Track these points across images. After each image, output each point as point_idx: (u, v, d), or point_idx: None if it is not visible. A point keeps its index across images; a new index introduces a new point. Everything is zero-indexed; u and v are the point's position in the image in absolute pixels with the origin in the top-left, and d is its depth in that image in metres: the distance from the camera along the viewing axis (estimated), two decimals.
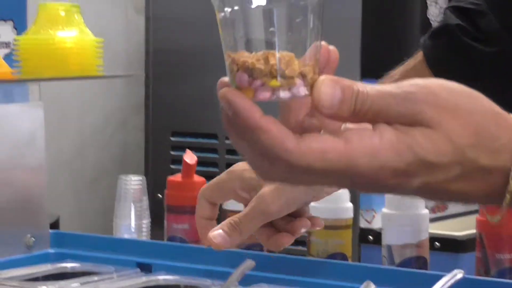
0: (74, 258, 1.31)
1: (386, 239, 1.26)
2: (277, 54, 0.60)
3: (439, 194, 0.62)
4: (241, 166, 0.97)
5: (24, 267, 1.27)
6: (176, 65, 2.39)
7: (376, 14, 2.26)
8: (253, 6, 0.61)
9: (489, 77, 1.11)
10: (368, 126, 0.60)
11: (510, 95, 1.08)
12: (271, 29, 0.61)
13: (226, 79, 0.62)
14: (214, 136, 2.19)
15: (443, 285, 1.06)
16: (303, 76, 0.61)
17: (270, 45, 0.61)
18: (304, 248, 1.32)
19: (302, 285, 1.17)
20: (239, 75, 0.61)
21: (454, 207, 2.09)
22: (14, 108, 1.32)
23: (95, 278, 1.23)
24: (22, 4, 2.36)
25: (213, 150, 2.25)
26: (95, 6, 2.47)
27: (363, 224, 2.09)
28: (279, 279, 1.18)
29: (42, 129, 1.34)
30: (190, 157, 1.39)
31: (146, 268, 1.26)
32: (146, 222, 1.45)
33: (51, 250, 1.34)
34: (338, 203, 1.27)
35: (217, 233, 0.90)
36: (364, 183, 0.60)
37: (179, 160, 1.47)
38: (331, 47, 0.66)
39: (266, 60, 0.60)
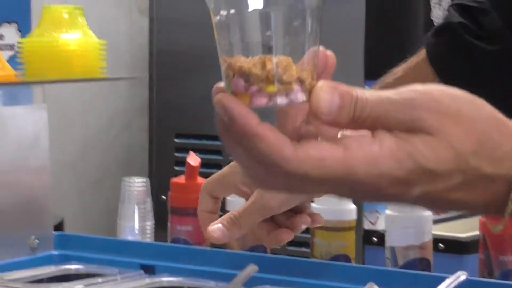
0: (78, 260, 1.31)
1: (389, 241, 1.26)
2: (274, 59, 0.59)
3: (439, 203, 0.61)
4: None
5: (28, 269, 1.27)
6: (180, 66, 2.39)
7: (379, 16, 2.26)
8: (250, 9, 0.59)
9: (491, 76, 1.10)
10: (367, 133, 0.59)
11: None
12: (268, 33, 0.59)
13: (221, 84, 0.61)
14: (218, 138, 2.19)
15: (446, 287, 1.06)
16: (301, 81, 0.59)
17: (267, 50, 0.59)
18: (308, 250, 1.33)
19: (305, 287, 1.17)
20: (235, 80, 0.59)
21: None
22: (18, 110, 1.33)
23: (99, 280, 1.23)
24: (26, 7, 2.36)
25: (217, 152, 2.26)
26: (99, 8, 2.47)
27: (367, 225, 2.09)
28: (282, 280, 1.18)
29: (46, 131, 1.34)
30: (193, 159, 1.39)
31: (149, 270, 1.26)
32: (149, 224, 1.45)
33: (55, 252, 1.34)
34: (341, 204, 1.27)
35: (216, 227, 0.90)
36: (363, 191, 0.59)
37: (183, 162, 1.47)
38: (329, 52, 0.65)
39: (263, 65, 0.58)
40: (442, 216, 2.04)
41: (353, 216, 1.29)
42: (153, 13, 2.50)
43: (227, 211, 1.31)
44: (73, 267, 1.29)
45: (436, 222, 1.78)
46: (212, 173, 1.01)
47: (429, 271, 1.24)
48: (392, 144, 0.58)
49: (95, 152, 2.57)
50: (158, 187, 2.22)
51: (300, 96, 0.59)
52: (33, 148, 1.32)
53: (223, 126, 0.59)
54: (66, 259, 1.32)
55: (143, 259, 1.28)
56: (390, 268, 1.23)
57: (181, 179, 1.41)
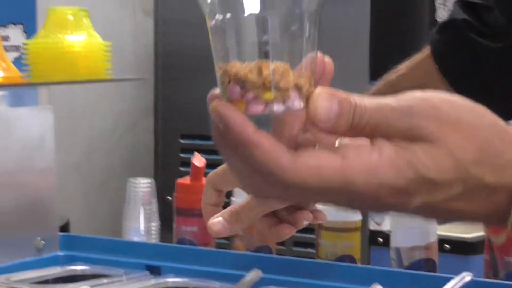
0: (83, 260, 1.31)
1: (394, 242, 1.26)
2: (271, 65, 0.57)
3: (439, 213, 0.59)
4: None
5: (34, 269, 1.27)
6: (185, 67, 2.39)
7: (384, 17, 2.26)
8: (246, 13, 0.57)
9: (494, 73, 1.10)
10: (366, 141, 0.57)
11: None
12: (265, 37, 0.57)
13: (217, 91, 0.59)
14: None
15: None
16: (298, 88, 0.57)
17: (263, 55, 0.57)
18: (313, 251, 1.33)
19: (310, 287, 1.17)
20: (231, 87, 0.57)
21: None
22: (23, 112, 1.33)
23: (105, 280, 1.23)
24: (32, 8, 2.37)
25: None
26: (103, 10, 2.47)
27: (372, 226, 2.09)
28: (287, 281, 1.18)
29: (51, 132, 1.34)
30: (198, 160, 1.39)
31: (155, 271, 1.27)
32: (155, 224, 1.45)
33: (60, 253, 1.35)
34: None
35: (217, 220, 0.89)
36: (362, 201, 0.57)
37: (188, 163, 1.47)
38: (326, 58, 0.63)
39: (259, 71, 0.57)
40: None
41: (358, 216, 1.29)
42: (158, 14, 2.51)
43: None
44: (79, 268, 1.30)
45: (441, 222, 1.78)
46: None
47: (435, 271, 1.24)
48: (391, 153, 0.56)
49: (101, 153, 2.58)
50: (164, 188, 2.22)
51: (298, 103, 0.57)
52: (38, 149, 1.33)
53: (219, 134, 0.58)
54: (72, 260, 1.32)
55: (149, 260, 1.28)
56: (395, 269, 1.23)
57: (186, 180, 1.41)
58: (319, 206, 0.99)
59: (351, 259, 1.26)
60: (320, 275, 1.18)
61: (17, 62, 1.49)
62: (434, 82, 1.09)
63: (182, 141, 2.42)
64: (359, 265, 1.27)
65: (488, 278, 1.21)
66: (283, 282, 1.18)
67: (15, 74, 1.38)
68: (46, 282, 1.26)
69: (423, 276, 1.15)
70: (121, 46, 2.44)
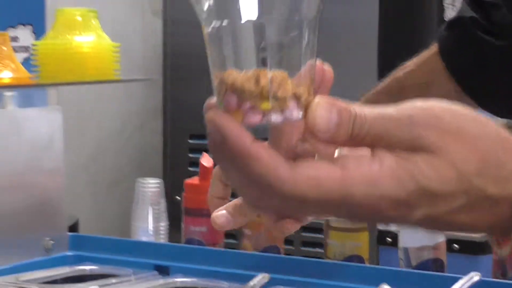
0: (92, 260, 1.32)
1: (402, 242, 1.26)
2: (269, 74, 0.55)
3: (442, 225, 0.57)
4: None
5: (43, 269, 1.28)
6: (194, 68, 2.40)
7: (393, 17, 2.26)
8: (243, 20, 0.55)
9: (500, 71, 1.09)
10: (366, 151, 0.56)
11: None
12: (263, 45, 0.55)
13: (214, 100, 0.57)
14: None
15: None
16: (296, 97, 0.55)
17: (261, 63, 0.55)
18: (321, 250, 1.33)
19: (318, 287, 1.17)
20: (227, 96, 0.55)
21: None
22: (32, 112, 1.33)
23: (113, 280, 1.24)
24: (41, 9, 2.38)
25: None
26: (112, 10, 2.48)
27: (381, 226, 2.08)
28: (295, 281, 1.18)
29: (60, 133, 1.35)
30: (207, 160, 1.39)
31: (164, 271, 1.27)
32: (163, 224, 1.46)
33: (69, 253, 1.35)
34: None
35: (220, 213, 0.89)
36: (362, 213, 0.56)
37: (197, 163, 1.48)
38: (326, 67, 0.62)
39: (257, 80, 0.54)
40: None
41: None
42: (166, 15, 2.51)
43: None
44: (88, 267, 1.30)
45: None
46: None
47: (443, 271, 1.24)
48: (392, 164, 0.55)
49: (109, 153, 2.58)
50: (172, 188, 2.22)
51: (296, 113, 0.56)
52: (47, 150, 1.33)
53: (215, 145, 0.56)
54: (81, 260, 1.33)
55: (157, 260, 1.28)
56: (404, 269, 1.23)
57: (195, 180, 1.41)
58: None
59: (360, 259, 1.26)
60: (328, 275, 1.18)
61: (26, 62, 1.50)
62: (441, 80, 1.08)
63: (190, 141, 2.42)
64: (367, 265, 1.27)
65: (497, 278, 1.21)
66: (291, 282, 1.18)
67: (24, 75, 1.38)
68: (55, 282, 1.26)
69: (431, 276, 1.15)
70: (130, 46, 2.45)
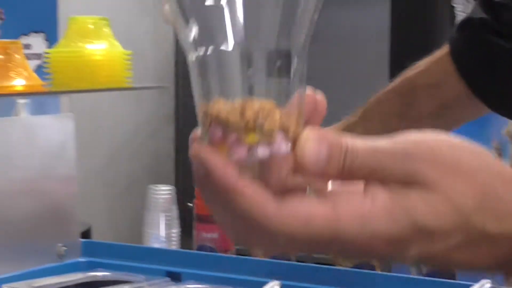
0: (104, 267, 1.32)
1: None
2: (255, 104, 0.52)
3: (439, 263, 0.55)
4: None
5: (56, 276, 1.28)
6: None
7: (404, 22, 2.26)
8: (230, 47, 0.52)
9: (510, 73, 1.08)
10: (360, 185, 0.53)
11: None
12: (250, 73, 0.52)
13: (199, 132, 0.55)
14: None
15: None
16: (284, 129, 0.52)
17: (248, 93, 0.52)
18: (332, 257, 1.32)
19: None
20: (212, 129, 0.52)
21: None
22: (45, 120, 1.34)
23: (126, 287, 1.24)
24: (53, 17, 2.39)
25: None
26: (125, 18, 2.49)
27: None
28: None
29: (72, 140, 1.35)
30: None
31: (175, 277, 1.27)
32: (175, 231, 1.46)
33: (82, 259, 1.36)
34: None
35: None
36: (354, 251, 0.53)
37: None
38: (318, 96, 0.58)
39: (242, 111, 0.51)
40: None
41: None
42: None
43: None
44: (100, 274, 1.30)
45: None
46: None
47: (454, 279, 1.23)
48: (385, 200, 0.52)
49: (122, 160, 2.59)
50: (184, 195, 2.22)
51: (284, 147, 0.52)
52: (60, 157, 1.34)
53: (200, 179, 0.54)
54: (93, 266, 1.33)
55: (169, 266, 1.29)
56: (415, 276, 1.23)
57: None
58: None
59: (371, 266, 1.26)
60: (339, 282, 1.18)
61: (39, 70, 1.51)
62: (451, 81, 1.07)
63: None
64: (378, 272, 1.26)
65: (509, 286, 1.21)
66: None
67: (37, 82, 1.39)
68: None
69: (442, 283, 1.15)
70: (142, 54, 2.46)
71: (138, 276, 1.27)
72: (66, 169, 1.35)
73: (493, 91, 1.07)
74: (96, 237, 2.14)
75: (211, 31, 0.53)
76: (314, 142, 0.53)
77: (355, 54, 2.42)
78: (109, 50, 1.38)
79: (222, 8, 0.52)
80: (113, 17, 1.51)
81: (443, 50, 1.11)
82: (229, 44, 0.52)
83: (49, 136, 1.33)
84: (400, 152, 0.53)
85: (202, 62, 0.53)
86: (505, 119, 1.04)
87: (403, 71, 1.10)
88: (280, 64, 0.53)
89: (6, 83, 1.36)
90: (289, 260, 1.29)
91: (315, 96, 0.57)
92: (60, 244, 1.34)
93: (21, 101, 1.39)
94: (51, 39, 2.36)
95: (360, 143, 0.53)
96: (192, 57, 0.54)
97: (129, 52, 1.41)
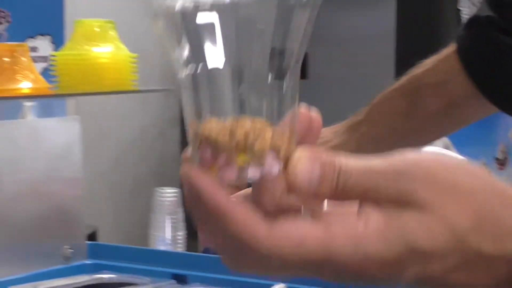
0: (110, 269, 1.32)
1: None
2: (247, 123, 0.50)
3: (437, 285, 0.53)
4: None
5: (62, 278, 1.29)
6: None
7: (410, 24, 2.26)
8: (221, 64, 0.51)
9: None
10: (354, 205, 0.52)
11: None
12: (241, 90, 0.51)
13: (189, 152, 0.53)
14: None
15: None
16: (275, 149, 0.50)
17: (239, 111, 0.51)
18: None
19: None
20: (202, 149, 0.50)
21: None
22: (51, 122, 1.34)
23: None
24: (59, 20, 2.39)
25: None
26: (131, 21, 2.49)
27: None
28: None
29: (78, 143, 1.36)
30: None
31: (181, 280, 1.27)
32: (181, 234, 1.46)
33: (88, 261, 1.36)
34: None
35: None
36: (347, 274, 0.52)
37: None
38: (313, 114, 0.56)
39: (233, 131, 0.50)
40: None
41: None
42: None
43: None
44: (106, 276, 1.31)
45: None
46: None
47: None
48: (379, 222, 0.51)
49: (128, 163, 2.59)
50: None
51: (275, 168, 0.51)
52: (66, 159, 1.34)
53: (190, 200, 0.52)
54: (99, 268, 1.33)
55: (175, 269, 1.29)
56: None
57: None
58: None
59: None
60: (345, 286, 1.18)
61: (45, 72, 1.51)
62: (458, 79, 1.07)
63: None
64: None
65: None
66: None
67: (43, 85, 1.39)
68: None
69: None
70: (148, 57, 2.46)
71: (144, 279, 1.27)
72: (72, 171, 1.35)
73: (499, 89, 1.06)
74: (102, 240, 2.14)
75: (202, 49, 0.51)
76: (306, 161, 0.52)
77: (361, 55, 2.42)
78: (115, 53, 1.38)
79: (213, 26, 0.50)
80: (119, 20, 1.51)
81: (450, 48, 1.10)
82: (220, 61, 0.51)
83: (56, 139, 1.33)
84: (394, 171, 0.52)
85: (193, 79, 0.52)
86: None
87: (410, 67, 1.09)
88: (272, 81, 0.51)
89: (12, 86, 1.36)
90: None
91: (309, 114, 0.55)
92: (66, 246, 1.34)
93: (28, 103, 1.40)
94: (58, 42, 2.36)
95: (353, 163, 0.52)
96: (182, 74, 0.53)
97: (135, 55, 1.41)
